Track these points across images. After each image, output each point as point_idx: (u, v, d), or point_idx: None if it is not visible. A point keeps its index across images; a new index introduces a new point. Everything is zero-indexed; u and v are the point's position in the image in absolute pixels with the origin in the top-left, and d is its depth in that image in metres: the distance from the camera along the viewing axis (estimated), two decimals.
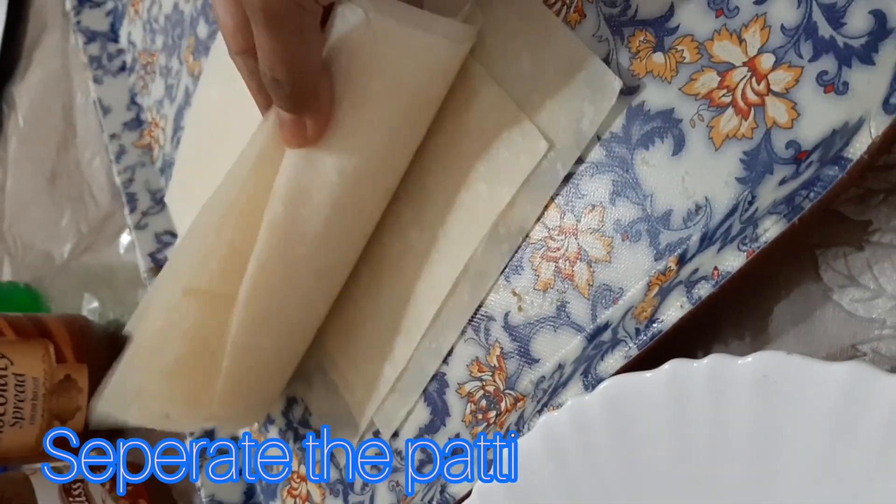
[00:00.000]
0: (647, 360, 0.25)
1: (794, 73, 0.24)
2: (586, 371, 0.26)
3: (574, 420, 0.26)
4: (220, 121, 0.41)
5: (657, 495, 0.25)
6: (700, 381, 0.23)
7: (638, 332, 0.25)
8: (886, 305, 0.22)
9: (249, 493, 0.41)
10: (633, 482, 0.25)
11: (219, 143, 0.41)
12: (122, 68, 0.54)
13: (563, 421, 0.26)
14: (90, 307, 0.54)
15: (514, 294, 0.30)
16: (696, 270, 0.24)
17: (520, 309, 0.30)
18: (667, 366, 0.23)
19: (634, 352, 0.25)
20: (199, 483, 0.40)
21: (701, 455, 0.23)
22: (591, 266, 0.28)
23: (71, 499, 0.43)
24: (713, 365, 0.22)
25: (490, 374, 0.31)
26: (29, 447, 0.48)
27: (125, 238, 0.52)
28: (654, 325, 0.24)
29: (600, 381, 0.25)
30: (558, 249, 0.29)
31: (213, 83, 0.42)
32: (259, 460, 0.41)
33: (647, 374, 0.24)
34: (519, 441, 0.27)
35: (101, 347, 0.50)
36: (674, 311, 0.24)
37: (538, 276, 0.30)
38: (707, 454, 0.23)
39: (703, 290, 0.23)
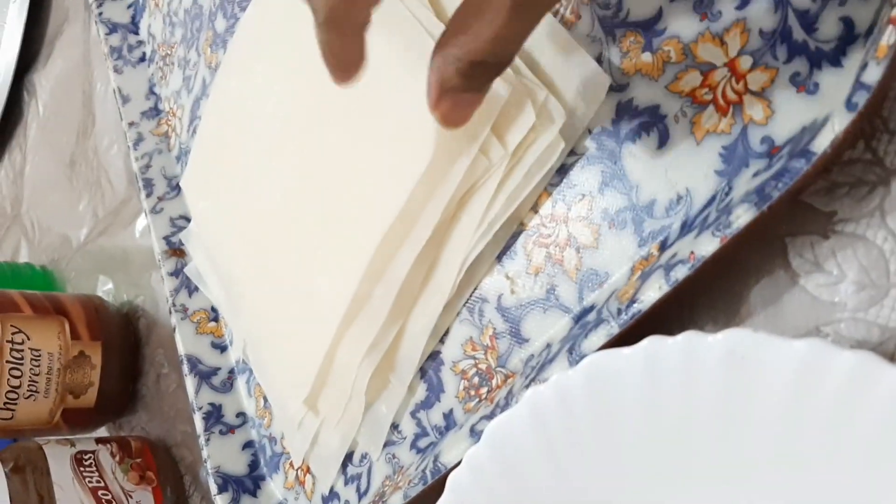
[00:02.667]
0: (627, 339, 0.27)
1: (769, 74, 0.25)
2: (571, 348, 0.28)
3: (558, 393, 0.27)
4: (237, 112, 0.43)
5: (633, 463, 0.26)
6: (674, 356, 0.24)
7: (619, 312, 0.26)
8: (848, 290, 0.24)
9: (254, 465, 0.43)
10: (611, 450, 0.27)
11: (235, 133, 0.43)
12: (142, 59, 0.56)
13: (547, 394, 0.28)
14: (105, 289, 0.57)
15: (507, 278, 0.32)
16: (674, 255, 0.26)
17: (512, 292, 0.32)
18: (644, 342, 0.25)
19: (616, 330, 0.26)
20: (205, 455, 0.42)
21: (674, 424, 0.25)
22: (579, 252, 0.30)
23: (82, 468, 0.45)
24: (686, 341, 0.24)
25: (483, 352, 0.33)
26: (42, 420, 0.50)
27: (140, 222, 0.54)
28: (635, 305, 0.26)
29: (584, 357, 0.27)
30: (549, 236, 0.31)
31: (231, 75, 0.44)
32: (262, 433, 0.43)
33: (626, 350, 0.26)
34: (506, 413, 0.29)
35: (114, 326, 0.52)
36: (653, 292, 0.25)
37: (530, 260, 0.31)
38: (679, 423, 0.25)
39: (680, 272, 0.25)
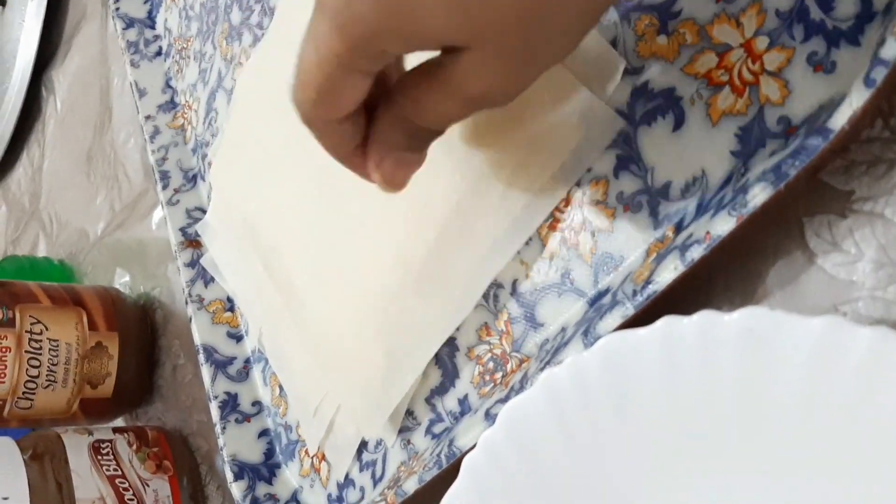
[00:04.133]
0: (643, 320, 0.27)
1: (786, 54, 0.25)
2: (586, 331, 0.28)
3: (573, 374, 0.27)
4: (268, 102, 0.43)
5: (648, 443, 0.26)
6: (690, 336, 0.24)
7: (635, 293, 0.26)
8: (866, 269, 0.24)
9: (269, 453, 0.43)
10: (627, 431, 0.27)
11: (267, 121, 0.43)
12: (158, 53, 0.56)
13: (563, 375, 0.28)
14: (122, 281, 0.57)
15: (522, 263, 0.32)
16: (690, 236, 0.26)
17: (527, 276, 0.32)
18: (660, 322, 0.25)
19: (631, 311, 0.26)
20: (221, 443, 0.42)
21: (690, 404, 0.25)
22: (594, 236, 0.30)
23: (99, 457, 0.46)
24: (703, 320, 0.24)
25: (498, 337, 0.33)
26: (60, 409, 0.50)
27: (157, 215, 0.54)
28: (650, 286, 0.26)
29: (599, 339, 0.27)
30: (564, 220, 0.31)
31: (262, 68, 0.45)
32: (278, 421, 0.43)
33: (642, 330, 0.26)
34: (521, 395, 0.29)
35: (131, 318, 0.53)
36: (668, 273, 0.25)
37: (545, 245, 0.31)
38: (696, 403, 0.25)
39: (696, 252, 0.25)
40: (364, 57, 0.23)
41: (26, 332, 0.48)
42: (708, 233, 0.25)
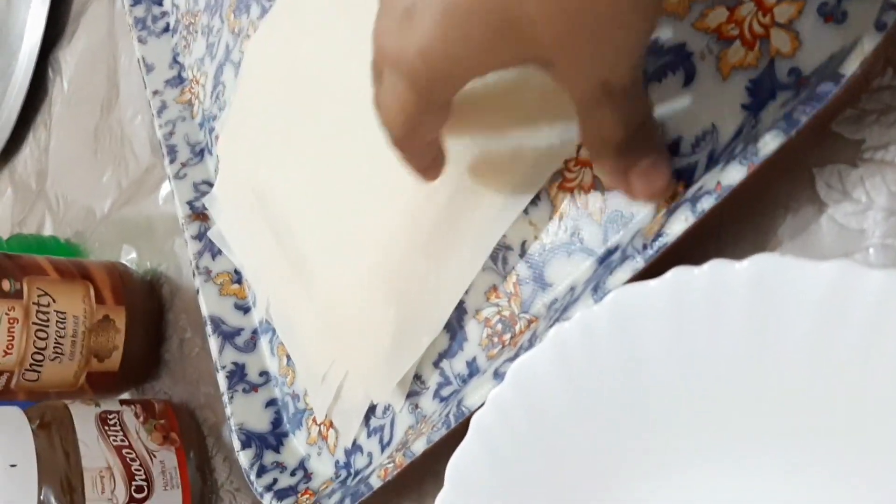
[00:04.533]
0: (653, 274, 0.27)
1: (797, 6, 0.25)
2: (596, 287, 0.28)
3: (582, 329, 0.27)
4: (277, 73, 0.43)
5: (659, 397, 0.26)
6: (701, 286, 0.24)
7: (645, 247, 0.26)
8: (876, 217, 0.24)
9: (277, 422, 0.43)
10: (637, 385, 0.27)
11: (276, 93, 0.43)
12: (166, 29, 0.56)
13: (572, 331, 0.28)
14: (128, 258, 0.57)
15: (531, 224, 0.32)
16: (700, 188, 0.26)
17: (535, 237, 0.32)
18: (670, 273, 0.25)
19: (641, 265, 0.26)
20: (228, 412, 0.42)
21: (701, 355, 0.25)
22: (603, 194, 0.30)
23: (106, 427, 0.46)
24: (713, 269, 0.24)
25: (506, 299, 0.33)
26: (67, 382, 0.50)
27: (164, 190, 0.54)
28: (660, 238, 0.26)
29: (608, 293, 0.27)
30: (574, 180, 0.31)
31: (272, 39, 0.45)
32: (285, 390, 0.43)
33: (652, 282, 0.26)
34: (530, 352, 0.29)
35: (138, 292, 0.53)
36: (679, 224, 0.25)
37: (554, 206, 0.32)
38: (707, 354, 0.25)
39: (707, 203, 0.25)
40: (433, 99, 0.26)
41: (34, 303, 0.48)
42: (719, 183, 0.25)
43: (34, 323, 0.48)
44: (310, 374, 0.41)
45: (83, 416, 0.46)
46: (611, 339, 0.27)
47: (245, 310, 0.46)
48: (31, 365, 0.48)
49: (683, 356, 0.26)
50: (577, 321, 0.28)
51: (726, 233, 0.27)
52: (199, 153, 0.51)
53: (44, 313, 0.48)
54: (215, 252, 0.47)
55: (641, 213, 0.29)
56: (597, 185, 0.30)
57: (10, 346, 0.47)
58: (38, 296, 0.48)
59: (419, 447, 0.33)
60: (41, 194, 0.69)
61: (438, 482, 0.31)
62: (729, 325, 0.24)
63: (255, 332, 0.46)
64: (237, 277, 0.47)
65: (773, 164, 0.24)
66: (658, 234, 0.26)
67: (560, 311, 0.30)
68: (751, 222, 0.26)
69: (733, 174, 0.24)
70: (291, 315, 0.42)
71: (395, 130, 0.27)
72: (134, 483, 0.45)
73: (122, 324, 0.51)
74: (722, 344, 0.25)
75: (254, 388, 0.44)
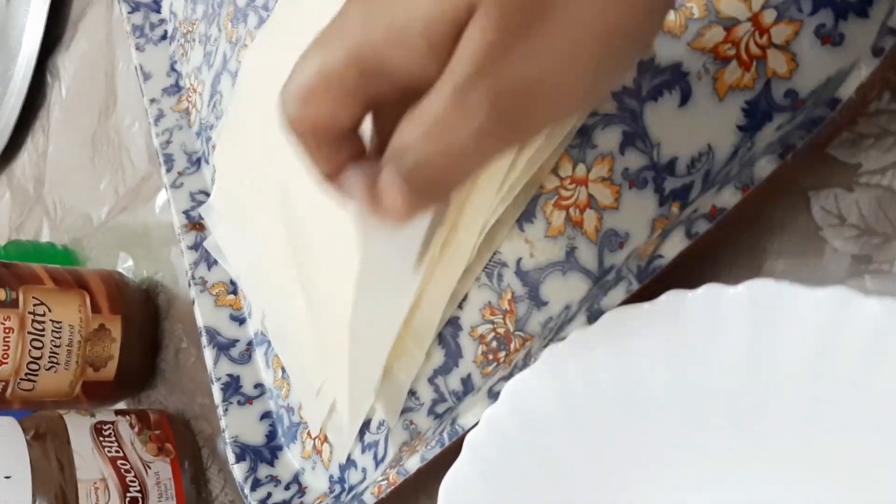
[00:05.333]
0: (647, 296, 0.26)
1: (794, 27, 0.25)
2: (590, 307, 0.28)
3: (576, 350, 0.27)
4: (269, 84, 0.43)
5: (652, 417, 0.26)
6: (695, 309, 0.24)
7: (640, 268, 0.26)
8: (872, 242, 0.24)
9: (271, 435, 0.43)
10: (631, 406, 0.27)
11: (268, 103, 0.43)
12: (164, 37, 0.56)
13: (566, 352, 0.28)
14: (125, 265, 0.57)
15: (527, 241, 0.32)
16: (695, 210, 0.25)
17: (531, 255, 0.32)
18: (664, 296, 0.25)
19: (635, 286, 0.26)
20: (223, 425, 0.42)
21: (695, 378, 0.25)
22: (599, 213, 0.30)
23: (101, 438, 0.46)
24: (707, 293, 0.24)
25: (501, 317, 0.33)
26: (63, 392, 0.50)
27: (160, 198, 0.54)
28: (655, 261, 0.26)
29: (602, 314, 0.26)
30: (569, 198, 0.31)
31: (267, 49, 0.44)
32: (280, 403, 0.43)
33: (646, 304, 0.25)
34: (524, 372, 0.29)
35: (134, 301, 0.53)
36: (674, 247, 0.25)
37: (549, 223, 0.31)
38: (701, 377, 0.25)
39: (702, 226, 0.25)
40: (364, 76, 0.22)
41: (29, 313, 0.48)
42: (714, 206, 0.24)
43: (30, 332, 0.48)
44: (304, 387, 0.40)
45: (78, 427, 0.46)
46: (605, 361, 0.27)
47: (240, 321, 0.46)
48: (26, 374, 0.48)
49: (677, 378, 0.25)
50: (572, 342, 0.28)
51: (721, 255, 0.27)
52: (196, 162, 0.51)
53: (39, 322, 0.48)
54: (211, 262, 0.47)
55: (637, 232, 0.29)
56: (592, 204, 0.30)
57: (5, 356, 0.47)
58: (34, 305, 0.48)
59: (413, 465, 0.32)
60: (38, 200, 0.69)
61: (432, 500, 0.30)
62: (723, 350, 0.24)
63: (250, 343, 0.45)
64: (233, 288, 0.47)
65: (768, 187, 0.24)
66: (653, 257, 0.26)
67: (555, 330, 0.29)
68: (746, 245, 0.26)
69: (728, 198, 0.24)
70: (287, 327, 0.42)
71: (300, 91, 0.24)
72: (128, 494, 0.45)
73: (118, 333, 0.51)
74: (716, 368, 0.24)
75: (248, 400, 0.44)
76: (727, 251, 0.27)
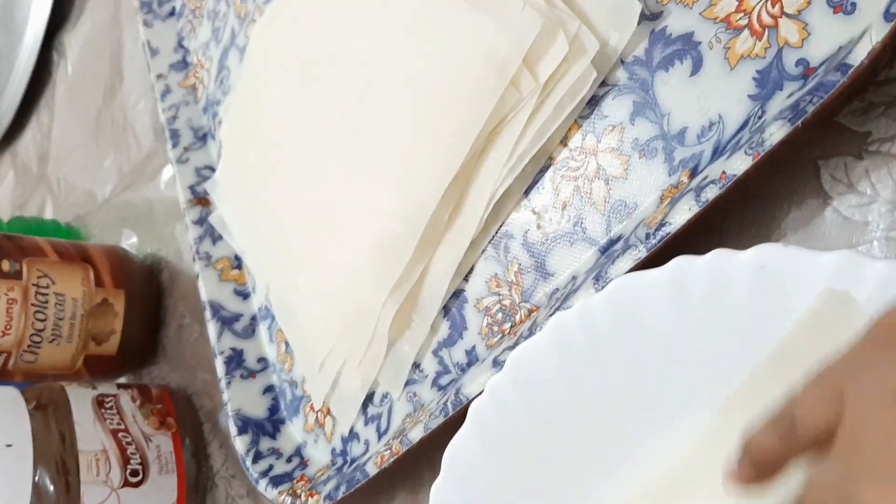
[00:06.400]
0: (655, 265, 0.27)
1: None
2: (597, 276, 0.28)
3: (582, 318, 0.27)
4: (281, 57, 0.43)
5: (658, 386, 0.26)
6: (702, 275, 0.24)
7: (647, 236, 0.26)
8: (881, 210, 0.24)
9: (274, 409, 0.43)
10: (636, 375, 0.27)
11: (278, 76, 0.43)
12: (172, 13, 0.56)
13: (571, 320, 0.28)
14: (129, 242, 0.57)
15: (534, 213, 0.32)
16: (705, 178, 0.26)
17: (538, 226, 0.32)
18: (672, 262, 0.25)
19: (643, 254, 0.26)
20: (226, 398, 0.42)
21: (702, 343, 0.25)
22: (608, 183, 0.30)
23: (103, 410, 0.46)
24: (715, 259, 0.24)
25: (507, 288, 0.33)
26: (65, 365, 0.50)
27: (165, 174, 0.54)
28: (663, 228, 0.26)
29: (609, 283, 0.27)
30: (578, 169, 0.31)
31: (278, 22, 0.44)
32: (283, 377, 0.43)
33: (653, 271, 0.25)
34: (529, 340, 0.29)
35: (138, 276, 0.53)
36: (682, 213, 0.25)
37: (558, 194, 0.31)
38: (707, 344, 0.25)
39: (711, 192, 0.25)
40: None
41: (33, 285, 0.48)
42: (724, 173, 0.25)
43: (33, 304, 0.48)
44: (308, 360, 0.40)
45: (80, 399, 0.46)
46: (611, 329, 0.27)
47: (244, 296, 0.46)
48: (28, 346, 0.48)
49: (684, 346, 0.26)
50: (578, 310, 0.28)
51: (729, 225, 0.27)
52: (202, 138, 0.51)
53: (43, 295, 0.48)
54: (216, 237, 0.47)
55: (646, 202, 0.29)
56: (601, 174, 0.30)
57: (8, 327, 0.47)
58: (38, 277, 0.48)
59: (416, 435, 0.32)
60: (42, 178, 0.69)
61: (435, 470, 0.30)
62: (730, 315, 0.24)
63: (253, 318, 0.45)
64: (237, 263, 0.47)
65: (777, 156, 0.24)
66: (661, 224, 0.26)
67: (561, 300, 0.30)
68: (754, 214, 0.26)
69: (738, 164, 0.24)
70: (291, 301, 0.42)
71: None
72: (129, 466, 0.45)
73: (121, 308, 0.51)
74: (723, 333, 0.25)
75: (251, 374, 0.44)
76: (735, 220, 0.27)
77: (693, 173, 0.27)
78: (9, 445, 0.42)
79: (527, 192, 0.32)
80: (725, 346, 0.25)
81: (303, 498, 0.37)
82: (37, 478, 0.43)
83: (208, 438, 0.48)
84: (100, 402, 0.46)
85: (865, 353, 0.18)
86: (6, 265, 0.48)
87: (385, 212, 0.36)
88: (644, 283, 0.26)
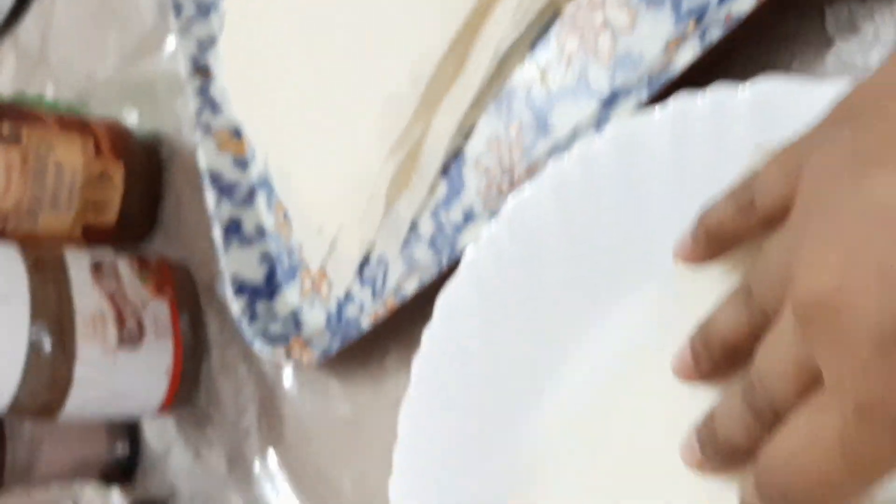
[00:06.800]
0: None
1: None
2: (598, 123, 0.28)
3: (581, 161, 0.28)
4: None
5: (657, 231, 0.26)
6: (703, 111, 0.25)
7: (650, 78, 0.27)
8: (882, 53, 0.24)
9: (270, 276, 0.43)
10: (635, 220, 0.27)
11: None
12: None
13: (570, 162, 0.28)
14: (130, 119, 0.57)
15: (538, 68, 0.32)
16: (710, 21, 0.26)
17: (542, 82, 0.32)
18: (672, 99, 0.25)
19: (645, 97, 0.27)
20: (223, 263, 0.43)
21: (702, 186, 0.25)
22: (614, 36, 0.30)
23: (100, 274, 0.46)
24: (716, 94, 0.24)
25: (508, 147, 0.33)
26: (63, 232, 0.50)
27: (168, 49, 0.54)
28: (667, 71, 0.26)
29: None
30: (584, 22, 0.31)
31: None
32: (280, 245, 0.43)
33: (653, 109, 0.26)
34: (525, 185, 0.29)
35: (137, 149, 0.53)
36: (686, 56, 0.26)
37: (563, 50, 0.31)
38: (708, 184, 0.25)
39: (715, 34, 0.25)
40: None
41: (32, 151, 0.48)
42: (728, 14, 0.25)
43: (32, 170, 0.48)
44: (306, 224, 0.41)
45: (77, 261, 0.46)
46: (610, 171, 0.27)
47: (243, 165, 0.46)
48: (27, 210, 0.48)
49: (684, 187, 0.26)
50: (577, 153, 0.28)
51: (733, 70, 0.27)
52: (206, 10, 0.50)
53: (42, 162, 0.48)
54: (216, 108, 0.47)
55: (651, 53, 0.29)
56: (607, 26, 0.30)
57: (7, 190, 0.47)
58: (38, 143, 0.48)
59: (410, 288, 0.33)
60: (43, 60, 0.69)
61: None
62: (731, 150, 0.24)
63: (252, 187, 0.46)
64: (237, 134, 0.47)
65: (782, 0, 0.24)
66: (664, 69, 0.26)
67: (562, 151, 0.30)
68: (757, 59, 0.26)
69: (743, 4, 0.24)
70: (290, 168, 0.42)
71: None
72: (125, 328, 0.45)
73: (120, 180, 0.51)
74: (724, 172, 0.25)
75: (249, 242, 0.44)
76: (739, 65, 0.27)
77: (699, 20, 0.27)
78: (5, 300, 0.43)
79: (532, 48, 0.32)
80: (725, 177, 0.25)
81: (298, 354, 0.38)
82: (33, 335, 0.43)
83: (205, 309, 0.49)
84: (97, 266, 0.47)
85: (825, 130, 0.19)
86: (5, 129, 0.48)
87: (388, 70, 0.36)
88: (644, 123, 0.26)
